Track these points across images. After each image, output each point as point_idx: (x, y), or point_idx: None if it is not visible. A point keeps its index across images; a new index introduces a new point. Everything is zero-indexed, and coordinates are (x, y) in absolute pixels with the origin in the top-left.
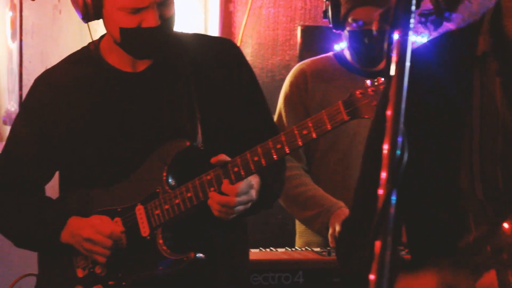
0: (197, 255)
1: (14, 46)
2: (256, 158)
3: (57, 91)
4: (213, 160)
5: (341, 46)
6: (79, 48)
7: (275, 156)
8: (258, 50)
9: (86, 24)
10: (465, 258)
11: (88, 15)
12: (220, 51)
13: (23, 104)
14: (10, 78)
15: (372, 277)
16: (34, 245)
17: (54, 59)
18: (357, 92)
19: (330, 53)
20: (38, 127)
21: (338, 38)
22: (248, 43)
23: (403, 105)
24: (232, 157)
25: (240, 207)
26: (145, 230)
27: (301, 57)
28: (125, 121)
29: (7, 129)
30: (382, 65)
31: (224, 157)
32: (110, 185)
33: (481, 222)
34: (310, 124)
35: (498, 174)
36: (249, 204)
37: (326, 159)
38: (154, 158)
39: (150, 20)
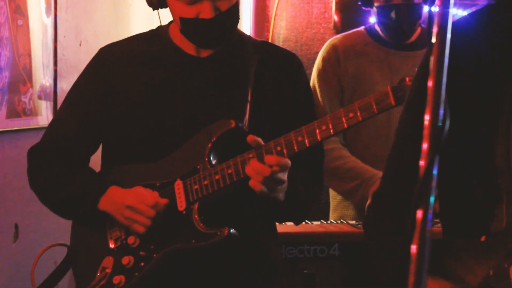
0: (231, 231)
1: (49, 21)
2: (300, 138)
3: (119, 61)
4: (249, 138)
5: (375, 21)
6: (112, 22)
7: (319, 137)
8: (292, 23)
9: (120, 0)
10: (496, 242)
11: (152, 4)
12: (284, 60)
13: (83, 71)
14: (45, 53)
15: (413, 247)
16: (71, 211)
17: (88, 34)
18: (407, 79)
19: (362, 28)
20: (93, 95)
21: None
22: (283, 16)
23: (444, 77)
24: None
25: (272, 181)
26: (181, 205)
27: (336, 30)
28: (178, 100)
29: (42, 104)
30: (413, 37)
31: (260, 140)
32: (153, 161)
33: None
34: (357, 108)
35: None
36: (283, 184)
37: (360, 134)
38: (199, 137)
39: (205, 12)
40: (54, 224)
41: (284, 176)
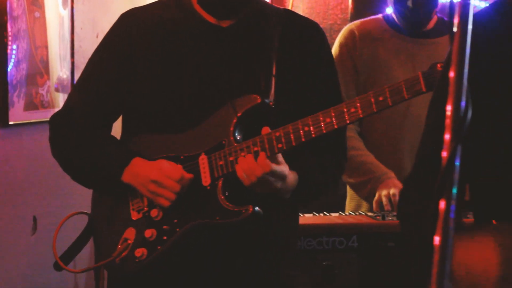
0: (256, 209)
1: (66, 13)
2: (328, 120)
3: (141, 27)
4: (264, 131)
5: (393, 10)
6: None
7: (347, 119)
8: (309, 14)
9: None
10: None
11: None
12: (307, 31)
13: (104, 37)
14: (62, 45)
15: (437, 238)
16: (93, 181)
17: (105, 26)
18: (438, 65)
19: (379, 15)
20: (116, 59)
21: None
22: (299, 8)
23: (466, 67)
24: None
25: (263, 183)
26: (206, 180)
27: (352, 20)
28: (202, 70)
29: (59, 96)
30: (429, 25)
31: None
32: (176, 132)
33: None
34: (387, 91)
35: None
36: (268, 188)
37: (375, 121)
38: (224, 111)
39: None
40: (76, 219)
41: (277, 183)
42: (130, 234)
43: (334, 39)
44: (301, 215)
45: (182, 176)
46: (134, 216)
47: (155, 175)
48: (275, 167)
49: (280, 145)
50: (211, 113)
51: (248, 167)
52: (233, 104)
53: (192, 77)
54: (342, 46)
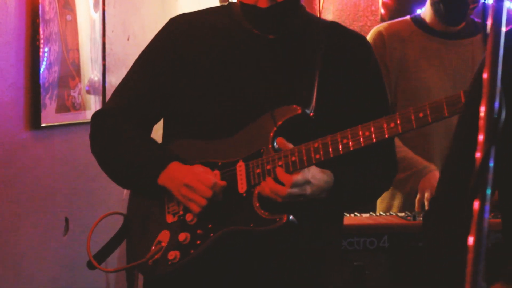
0: (290, 218)
1: (97, 16)
2: (367, 134)
3: (189, 32)
4: (279, 140)
5: (423, 11)
6: (159, 16)
7: (386, 134)
8: (339, 16)
9: None
10: None
11: None
12: (354, 45)
13: (153, 39)
14: (93, 48)
15: (471, 239)
16: (130, 181)
17: (136, 28)
18: None
19: (407, 17)
20: (162, 62)
21: (420, 4)
22: (329, 10)
23: (499, 68)
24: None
25: (290, 198)
26: (242, 187)
27: (383, 21)
28: (245, 79)
29: (90, 98)
30: (460, 26)
31: (289, 145)
32: (215, 138)
33: None
34: (428, 108)
35: None
36: (301, 198)
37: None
38: (264, 119)
39: (261, 1)
40: (108, 221)
41: (302, 189)
42: (164, 236)
43: None
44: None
45: (215, 183)
46: (169, 219)
47: (188, 179)
48: (295, 178)
49: (318, 156)
50: (251, 121)
51: (270, 190)
52: (273, 113)
53: (235, 85)
54: None
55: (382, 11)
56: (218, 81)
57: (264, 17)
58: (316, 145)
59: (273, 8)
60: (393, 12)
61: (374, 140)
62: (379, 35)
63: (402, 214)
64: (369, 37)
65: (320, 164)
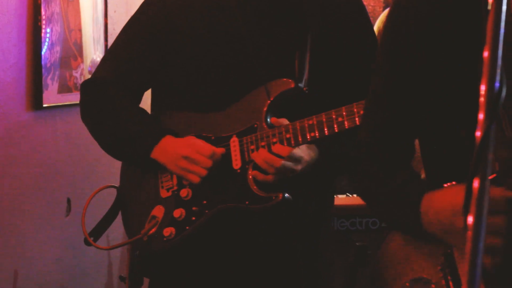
0: (286, 195)
1: None
2: (362, 112)
3: (179, 2)
4: (273, 120)
5: None
6: None
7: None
8: None
9: None
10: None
11: None
12: (345, 5)
13: (139, 7)
14: (96, 28)
15: (470, 218)
16: (122, 153)
17: None
18: None
19: None
20: (150, 31)
21: None
22: None
23: (500, 47)
24: (334, 108)
25: (282, 170)
26: (237, 163)
27: (386, 4)
28: (237, 50)
29: None
30: None
31: (283, 121)
32: (208, 110)
33: (502, 147)
34: None
35: None
36: (291, 173)
37: None
38: (257, 93)
39: None
40: (107, 196)
41: (296, 166)
42: (158, 211)
43: None
44: (334, 196)
45: (213, 152)
46: (163, 194)
47: (186, 151)
48: (292, 151)
49: (312, 134)
50: (244, 93)
51: (264, 161)
52: (267, 87)
53: (228, 56)
54: (380, 32)
55: None
56: (210, 52)
57: None
58: (310, 122)
59: None
60: None
61: None
62: None
63: None
64: (379, 20)
65: None
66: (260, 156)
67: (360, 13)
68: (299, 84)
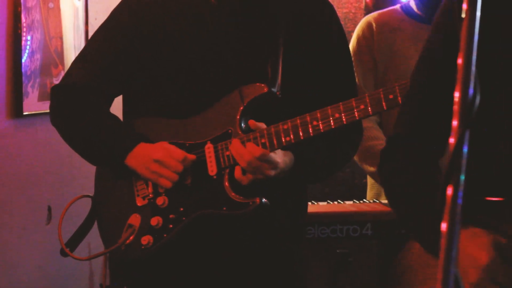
0: (263, 200)
1: (80, 4)
2: (337, 115)
3: (148, 6)
4: (250, 123)
5: None
6: None
7: (356, 116)
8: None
9: None
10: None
11: None
12: (316, 8)
13: (111, 13)
14: (76, 35)
15: (444, 225)
16: (95, 159)
17: None
18: None
19: (397, 6)
20: (121, 36)
21: None
22: None
23: (474, 53)
24: (308, 111)
25: (251, 168)
26: (212, 169)
27: (367, 10)
28: (210, 55)
29: None
30: None
31: (261, 125)
32: (181, 117)
33: None
34: (397, 89)
35: None
36: (261, 176)
37: (393, 115)
38: (231, 98)
39: None
40: (87, 205)
41: (268, 170)
42: (135, 220)
43: (349, 28)
44: (315, 203)
45: (185, 157)
46: (139, 202)
47: (158, 155)
48: (265, 153)
49: (288, 138)
50: (218, 98)
51: (237, 152)
52: (241, 91)
53: (198, 60)
54: (359, 38)
55: None
56: (182, 57)
57: None
58: (285, 127)
59: None
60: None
61: (345, 122)
62: (368, 26)
63: (386, 201)
64: (358, 27)
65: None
66: (234, 146)
67: (331, 19)
68: (272, 89)
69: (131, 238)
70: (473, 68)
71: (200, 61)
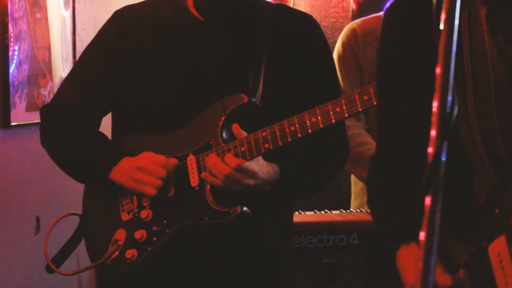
0: (244, 209)
1: (67, 14)
2: (313, 119)
3: (134, 24)
4: (235, 127)
5: None
6: None
7: (333, 119)
8: (311, 12)
9: None
10: (473, 221)
11: None
12: (301, 25)
13: (98, 32)
14: (64, 45)
15: (422, 234)
16: (81, 176)
17: None
18: None
19: (381, 13)
20: (108, 55)
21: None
22: (301, 6)
23: (452, 63)
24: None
25: (232, 182)
26: (194, 180)
27: (354, 19)
28: (192, 69)
29: None
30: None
31: (244, 133)
32: (166, 131)
33: (485, 180)
34: (372, 90)
35: (495, 125)
36: (240, 186)
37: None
38: (211, 110)
39: None
40: (75, 219)
41: (248, 180)
42: (120, 235)
43: (336, 37)
44: (302, 212)
45: (167, 161)
46: (124, 217)
47: (141, 162)
48: (242, 163)
49: (266, 145)
50: (201, 110)
51: (214, 166)
52: (222, 102)
53: (182, 75)
54: (345, 45)
55: (354, 7)
56: (165, 73)
57: (211, 2)
58: (264, 134)
59: None
60: (364, 8)
61: (321, 126)
62: (353, 33)
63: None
64: (343, 34)
65: (267, 154)
66: (211, 160)
67: (315, 35)
68: (252, 99)
69: (116, 253)
70: (451, 78)
71: (184, 76)
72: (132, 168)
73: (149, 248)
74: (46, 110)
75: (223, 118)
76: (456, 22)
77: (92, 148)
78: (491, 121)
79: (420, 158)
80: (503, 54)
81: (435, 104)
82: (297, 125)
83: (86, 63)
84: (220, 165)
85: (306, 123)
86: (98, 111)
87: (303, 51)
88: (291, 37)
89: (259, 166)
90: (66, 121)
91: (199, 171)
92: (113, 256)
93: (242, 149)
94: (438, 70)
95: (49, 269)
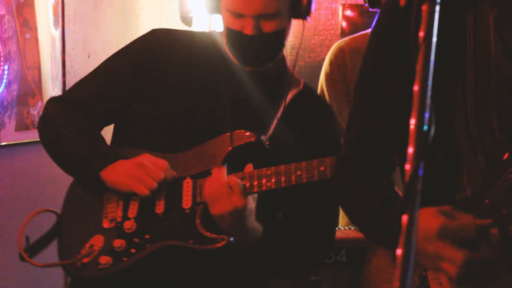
0: (231, 239)
1: (57, 33)
2: (322, 168)
3: (167, 47)
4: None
5: None
6: (121, 33)
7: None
8: (299, 30)
9: (128, 10)
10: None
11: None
12: (317, 108)
13: (130, 43)
14: (54, 65)
15: (399, 251)
16: (73, 167)
17: (96, 46)
18: None
19: (369, 30)
20: (132, 67)
21: None
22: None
23: (430, 81)
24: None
25: (220, 205)
26: (187, 203)
27: (343, 37)
28: (209, 100)
29: None
30: None
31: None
32: (167, 152)
33: (474, 173)
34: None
35: (493, 120)
36: (228, 217)
37: None
38: (218, 141)
39: (247, 28)
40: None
41: (235, 216)
42: (97, 241)
43: (325, 55)
44: None
45: (167, 167)
46: (106, 224)
47: (141, 160)
48: (240, 183)
49: (269, 184)
50: (206, 140)
51: (216, 175)
52: (231, 136)
53: (199, 103)
54: (332, 64)
55: (344, 24)
56: (183, 97)
57: (247, 46)
58: (269, 172)
59: (258, 38)
60: (354, 25)
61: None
62: (340, 51)
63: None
64: (330, 52)
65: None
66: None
67: (330, 123)
68: (261, 139)
69: (89, 257)
70: (429, 96)
71: (200, 105)
72: (131, 163)
73: (124, 258)
74: (52, 101)
75: (228, 150)
76: (434, 39)
77: (91, 143)
78: (490, 117)
79: (387, 163)
80: (509, 56)
81: (412, 122)
82: (304, 171)
83: (107, 68)
84: (222, 177)
85: (314, 169)
86: (104, 117)
87: (313, 133)
88: (307, 114)
89: (250, 210)
90: (68, 112)
91: (194, 195)
92: (84, 260)
93: (243, 182)
94: (415, 88)
95: (21, 258)
